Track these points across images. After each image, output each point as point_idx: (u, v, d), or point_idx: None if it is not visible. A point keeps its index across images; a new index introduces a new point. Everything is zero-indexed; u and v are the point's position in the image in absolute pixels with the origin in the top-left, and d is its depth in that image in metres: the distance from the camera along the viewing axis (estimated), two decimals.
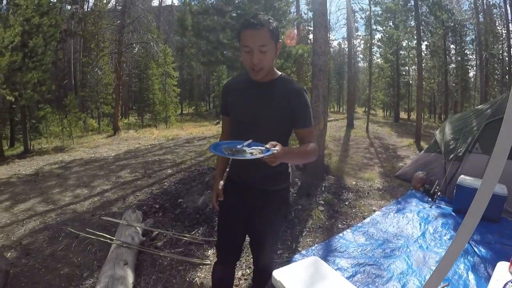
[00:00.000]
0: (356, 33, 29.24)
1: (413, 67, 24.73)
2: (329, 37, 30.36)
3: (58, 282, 2.99)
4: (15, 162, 8.95)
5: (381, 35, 22.84)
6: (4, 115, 11.80)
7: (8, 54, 9.29)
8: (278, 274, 1.88)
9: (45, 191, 5.84)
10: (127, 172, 7.23)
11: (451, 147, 5.31)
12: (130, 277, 2.69)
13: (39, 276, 3.09)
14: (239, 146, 1.40)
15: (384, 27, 20.68)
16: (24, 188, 6.06)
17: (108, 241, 3.45)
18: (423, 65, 20.33)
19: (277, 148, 1.32)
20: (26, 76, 10.19)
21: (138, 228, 3.60)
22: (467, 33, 23.90)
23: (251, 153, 1.34)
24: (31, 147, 11.27)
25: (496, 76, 23.11)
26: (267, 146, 1.34)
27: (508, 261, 1.69)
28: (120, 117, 19.25)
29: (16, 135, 12.63)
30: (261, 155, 1.29)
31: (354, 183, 6.09)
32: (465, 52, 24.51)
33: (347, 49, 20.00)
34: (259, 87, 1.66)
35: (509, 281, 1.37)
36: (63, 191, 5.87)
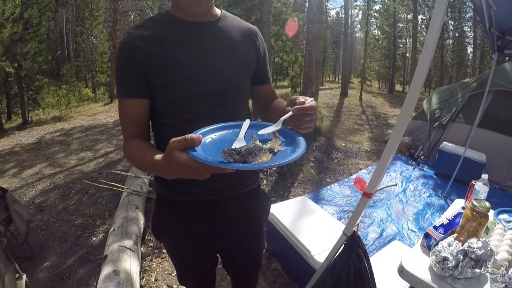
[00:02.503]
0: (355, 3, 28.88)
1: (409, 39, 24.60)
2: (326, 5, 29.89)
3: (73, 231, 3.30)
4: (15, 133, 9.10)
5: (379, 6, 22.67)
6: (0, 89, 11.81)
7: (9, 26, 9.34)
8: (272, 208, 2.23)
9: (50, 157, 6.09)
10: None
11: (436, 116, 5.59)
12: (141, 219, 3.04)
13: (54, 227, 3.39)
14: (238, 138, 0.77)
15: None
16: (29, 156, 6.28)
17: (120, 189, 3.77)
18: (420, 38, 20.30)
19: (311, 100, 0.85)
20: (26, 47, 10.22)
21: (145, 179, 3.92)
22: (467, 10, 23.54)
23: (271, 148, 0.71)
24: (30, 119, 11.34)
25: (492, 55, 22.76)
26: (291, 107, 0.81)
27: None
28: None
29: (13, 108, 12.63)
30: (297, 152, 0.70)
31: (343, 144, 6.46)
32: (464, 28, 24.28)
33: (344, 18, 19.82)
34: (207, 30, 1.00)
35: (461, 207, 1.64)
36: (68, 155, 6.14)
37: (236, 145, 0.71)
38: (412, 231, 3.24)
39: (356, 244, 1.12)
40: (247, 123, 0.83)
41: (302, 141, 0.76)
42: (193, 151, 0.63)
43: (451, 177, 4.01)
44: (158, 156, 0.76)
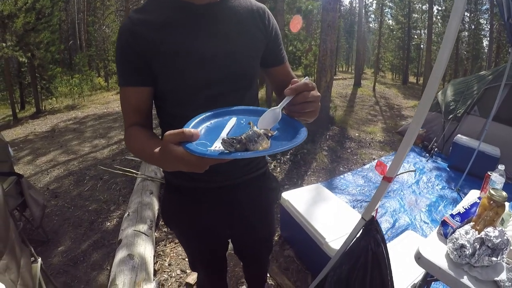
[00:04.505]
0: None
1: (424, 30, 24.13)
2: None
3: (88, 216, 3.36)
4: (29, 122, 9.23)
5: None
6: (14, 79, 12.00)
7: (22, 16, 9.46)
8: (287, 195, 2.23)
9: (64, 144, 6.18)
10: None
11: (451, 108, 5.49)
12: (156, 204, 3.07)
13: (69, 213, 3.45)
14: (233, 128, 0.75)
15: None
16: (43, 143, 6.38)
17: (134, 175, 3.82)
18: (435, 29, 19.87)
19: (307, 81, 0.77)
20: (39, 37, 10.35)
21: None
22: (483, 1, 22.88)
23: (266, 133, 0.68)
24: (43, 108, 11.50)
25: (508, 49, 22.22)
26: (287, 91, 0.75)
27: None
28: None
29: (26, 98, 12.82)
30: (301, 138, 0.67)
31: (357, 134, 6.43)
32: (480, 21, 23.66)
33: (358, 7, 19.50)
34: (212, 12, 0.92)
35: (477, 197, 1.62)
36: (82, 142, 6.23)
37: (218, 142, 0.66)
38: (425, 222, 3.22)
39: (375, 229, 1.11)
40: (232, 120, 0.77)
41: (301, 125, 0.72)
42: (189, 145, 0.61)
43: (465, 170, 3.97)
44: (156, 148, 0.73)
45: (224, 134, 0.70)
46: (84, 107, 11.08)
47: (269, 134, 0.68)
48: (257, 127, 0.70)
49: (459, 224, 1.34)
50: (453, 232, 1.28)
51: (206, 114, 0.77)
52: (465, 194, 3.79)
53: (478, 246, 1.13)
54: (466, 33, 24.24)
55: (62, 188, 4.10)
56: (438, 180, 4.23)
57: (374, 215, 1.13)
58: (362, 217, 1.13)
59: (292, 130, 0.72)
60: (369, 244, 1.11)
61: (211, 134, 0.70)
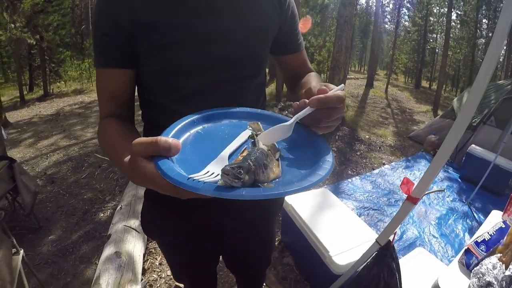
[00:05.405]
0: None
1: (441, 34, 23.68)
2: None
3: (82, 205, 3.26)
4: (35, 104, 9.20)
5: None
6: (24, 61, 12.02)
7: None
8: (290, 199, 2.07)
9: (67, 129, 6.11)
10: None
11: None
12: None
13: (63, 200, 3.36)
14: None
15: None
16: (46, 127, 6.32)
17: None
18: (453, 34, 19.46)
19: (338, 88, 0.60)
20: (48, 19, 10.28)
21: None
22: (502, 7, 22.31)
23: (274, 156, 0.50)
24: (51, 91, 11.52)
25: None
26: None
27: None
28: None
29: (35, 80, 12.87)
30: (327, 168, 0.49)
31: (367, 136, 6.21)
32: None
33: (374, 7, 19.19)
34: None
35: (500, 221, 1.46)
36: (85, 128, 6.14)
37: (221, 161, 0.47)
38: (434, 236, 3.04)
39: (390, 256, 0.94)
40: (246, 133, 0.56)
41: (325, 146, 0.54)
42: (164, 164, 0.42)
43: (477, 182, 3.74)
44: (126, 155, 0.53)
45: (226, 153, 0.49)
46: (92, 92, 11.00)
47: (278, 155, 0.50)
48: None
49: (484, 254, 1.17)
50: (478, 263, 1.11)
51: (198, 115, 0.58)
52: (476, 208, 3.67)
53: (505, 285, 0.97)
54: (483, 40, 23.76)
55: (60, 174, 4.02)
56: (449, 191, 4.03)
57: (392, 239, 0.96)
58: (376, 241, 0.96)
59: (311, 149, 0.54)
60: (382, 273, 0.94)
61: (202, 144, 0.51)
